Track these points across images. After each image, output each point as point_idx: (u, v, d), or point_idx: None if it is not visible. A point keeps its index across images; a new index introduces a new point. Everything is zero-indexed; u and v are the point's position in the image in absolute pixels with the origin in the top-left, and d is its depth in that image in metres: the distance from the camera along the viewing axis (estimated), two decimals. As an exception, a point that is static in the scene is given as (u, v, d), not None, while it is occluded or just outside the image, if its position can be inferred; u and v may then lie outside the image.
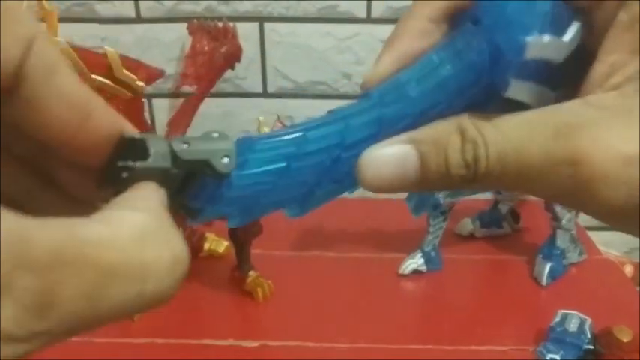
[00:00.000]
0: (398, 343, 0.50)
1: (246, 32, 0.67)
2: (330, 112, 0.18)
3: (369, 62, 0.71)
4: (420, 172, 0.16)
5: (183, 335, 0.51)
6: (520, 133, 0.15)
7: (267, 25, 0.70)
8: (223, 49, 0.58)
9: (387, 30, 0.69)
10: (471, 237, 0.65)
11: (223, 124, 0.75)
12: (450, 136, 0.16)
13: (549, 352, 0.47)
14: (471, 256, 0.62)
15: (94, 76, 0.45)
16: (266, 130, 0.53)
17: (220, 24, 0.58)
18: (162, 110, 0.73)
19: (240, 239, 0.55)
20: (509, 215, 0.66)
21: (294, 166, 0.17)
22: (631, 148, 0.14)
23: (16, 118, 0.14)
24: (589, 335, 0.47)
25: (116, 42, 0.68)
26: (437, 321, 0.53)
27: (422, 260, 0.59)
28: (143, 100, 0.51)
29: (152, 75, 0.50)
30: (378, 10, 0.68)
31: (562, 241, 0.58)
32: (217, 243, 0.61)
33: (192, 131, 0.63)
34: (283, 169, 0.17)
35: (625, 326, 0.45)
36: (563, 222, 0.56)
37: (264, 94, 0.74)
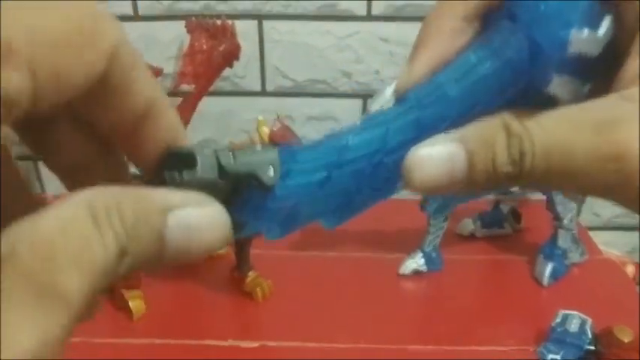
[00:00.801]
0: (398, 343, 0.50)
1: (245, 30, 0.66)
2: (366, 117, 0.18)
3: (368, 60, 0.71)
4: (468, 170, 0.16)
5: (182, 335, 0.50)
6: (562, 129, 0.15)
7: (266, 24, 0.69)
8: (222, 48, 0.57)
9: (387, 28, 0.69)
10: (472, 237, 0.65)
11: (222, 123, 0.74)
12: (496, 133, 0.15)
13: (550, 352, 0.46)
14: (471, 257, 0.62)
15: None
16: (265, 129, 0.53)
17: (219, 22, 0.58)
18: (161, 109, 0.73)
19: (240, 239, 0.54)
20: (510, 215, 0.65)
21: (335, 175, 0.17)
22: None
23: (96, 105, 0.15)
24: (590, 336, 0.47)
25: (114, 40, 0.68)
26: (437, 321, 0.53)
27: (422, 260, 0.58)
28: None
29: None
30: (378, 7, 0.68)
31: (563, 241, 0.57)
32: (217, 243, 0.61)
33: (192, 130, 0.62)
34: (325, 178, 0.17)
35: (626, 326, 0.45)
36: (565, 222, 0.56)
37: (263, 92, 0.73)
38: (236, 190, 0.16)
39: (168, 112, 0.16)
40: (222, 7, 0.68)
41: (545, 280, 0.56)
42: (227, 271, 0.58)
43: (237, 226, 0.17)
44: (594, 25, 0.16)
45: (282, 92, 0.73)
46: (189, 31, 0.59)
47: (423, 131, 0.17)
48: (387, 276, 0.59)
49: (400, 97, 0.18)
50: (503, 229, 0.65)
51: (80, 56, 0.13)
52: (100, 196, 0.13)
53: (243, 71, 0.71)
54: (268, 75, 0.72)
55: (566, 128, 0.15)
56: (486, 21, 0.18)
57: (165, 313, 0.53)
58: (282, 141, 0.52)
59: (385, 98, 0.54)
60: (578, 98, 0.16)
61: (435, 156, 0.16)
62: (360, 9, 0.68)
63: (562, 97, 0.16)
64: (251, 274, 0.55)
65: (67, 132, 0.17)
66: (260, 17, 0.69)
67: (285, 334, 0.50)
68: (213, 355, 0.48)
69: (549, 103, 0.16)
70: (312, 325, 0.51)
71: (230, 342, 0.50)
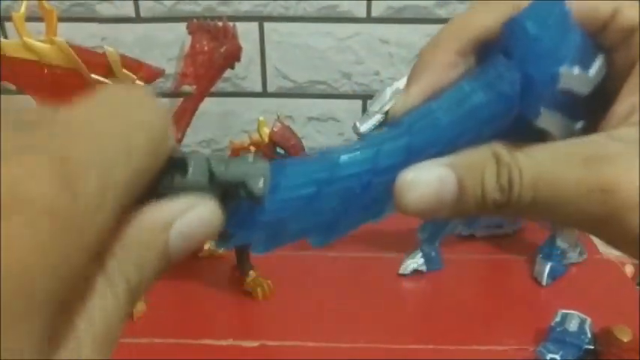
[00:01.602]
0: (398, 343, 0.50)
1: (246, 32, 0.67)
2: (360, 139, 0.19)
3: (368, 62, 0.71)
4: (457, 195, 0.16)
5: (183, 335, 0.51)
6: (551, 162, 0.16)
7: (267, 25, 0.70)
8: (223, 49, 0.58)
9: (386, 30, 0.69)
10: (472, 237, 0.65)
11: (223, 123, 0.75)
12: (486, 161, 0.16)
13: (549, 352, 0.47)
14: (471, 256, 0.62)
15: (94, 76, 0.45)
16: (266, 130, 0.53)
17: (220, 24, 0.58)
18: (162, 110, 0.73)
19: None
20: (509, 215, 0.65)
21: (324, 192, 0.17)
22: None
23: None
24: (589, 335, 0.47)
25: (116, 42, 0.68)
26: (437, 321, 0.53)
27: (422, 260, 0.59)
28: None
29: (152, 75, 0.50)
30: (377, 9, 0.68)
31: (562, 241, 0.57)
32: (217, 243, 0.61)
33: (192, 131, 0.63)
34: (314, 194, 0.17)
35: (625, 326, 0.45)
36: (564, 222, 0.56)
37: (264, 93, 0.74)
38: (225, 199, 0.16)
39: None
40: (223, 9, 0.69)
41: (544, 280, 0.56)
42: (227, 270, 0.58)
43: (224, 235, 0.17)
44: (585, 65, 0.17)
45: (283, 93, 0.73)
46: (191, 32, 0.60)
47: (412, 155, 0.17)
48: (386, 276, 0.59)
49: (393, 122, 0.18)
50: (502, 229, 0.65)
51: (153, 162, 0.13)
52: (110, 252, 0.13)
53: (244, 72, 0.71)
54: (269, 76, 0.73)
55: (554, 160, 0.16)
56: (481, 55, 0.18)
57: (165, 313, 0.53)
58: (282, 141, 0.52)
59: (385, 99, 0.54)
60: (570, 136, 0.17)
61: (426, 179, 0.16)
62: (360, 11, 0.69)
63: (552, 133, 0.17)
64: (251, 274, 0.55)
65: None
66: (261, 19, 0.69)
67: (285, 334, 0.51)
68: (213, 354, 0.49)
69: (541, 138, 0.17)
70: (312, 325, 0.51)
71: (230, 342, 0.50)
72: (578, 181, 0.15)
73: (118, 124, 0.12)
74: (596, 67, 0.17)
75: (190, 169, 0.15)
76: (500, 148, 0.16)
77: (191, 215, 0.14)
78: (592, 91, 0.17)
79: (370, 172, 0.17)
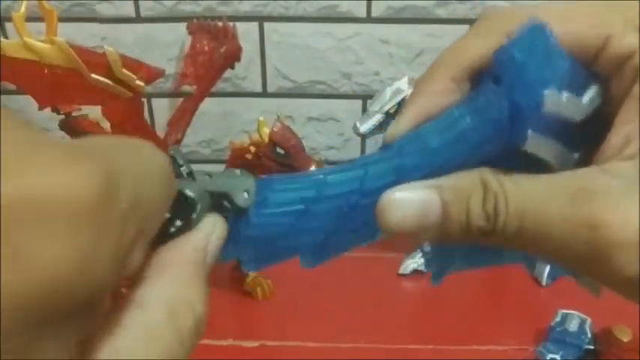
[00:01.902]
0: (398, 343, 0.50)
1: (246, 32, 0.67)
2: (350, 161, 0.19)
3: (369, 62, 0.71)
4: (441, 219, 0.16)
5: (183, 335, 0.51)
6: (539, 193, 0.15)
7: (267, 25, 0.70)
8: (223, 49, 0.58)
9: (386, 30, 0.69)
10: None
11: (223, 123, 0.75)
12: (472, 187, 0.16)
13: (549, 352, 0.47)
14: (471, 256, 0.62)
15: (94, 75, 0.45)
16: (266, 130, 0.53)
17: (220, 24, 0.58)
18: (162, 110, 0.73)
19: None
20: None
21: (312, 209, 0.17)
22: None
23: None
24: (589, 335, 0.47)
25: (116, 42, 0.68)
26: (437, 321, 0.53)
27: (422, 260, 0.59)
28: (143, 99, 0.51)
29: (152, 75, 0.50)
30: (378, 9, 0.68)
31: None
32: (217, 243, 0.61)
33: (192, 131, 0.63)
34: (302, 211, 0.17)
35: (625, 326, 0.45)
36: (564, 222, 0.56)
37: (264, 93, 0.74)
38: (210, 210, 0.16)
39: None
40: (223, 9, 0.69)
41: (544, 280, 0.57)
42: (227, 270, 0.58)
43: None
44: (577, 91, 0.17)
45: (283, 93, 0.73)
46: (191, 32, 0.60)
47: (401, 178, 0.17)
48: (386, 276, 0.59)
49: (385, 146, 0.19)
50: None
51: (166, 202, 0.14)
52: (175, 294, 0.14)
53: (244, 72, 0.71)
54: (269, 76, 0.73)
55: (542, 192, 0.15)
56: (476, 82, 0.19)
57: (165, 313, 0.53)
58: (282, 141, 0.52)
59: (385, 99, 0.54)
60: (567, 166, 0.17)
61: (409, 200, 0.16)
62: (360, 11, 0.69)
63: (546, 160, 0.17)
64: (251, 274, 0.55)
65: None
66: (261, 19, 0.69)
67: (285, 334, 0.51)
68: (213, 354, 0.49)
69: (540, 168, 0.17)
70: (312, 325, 0.51)
71: (230, 342, 0.50)
72: (565, 216, 0.15)
73: (141, 162, 0.13)
74: (590, 94, 0.17)
75: (197, 201, 0.16)
76: (488, 174, 0.16)
77: (216, 236, 0.16)
78: (590, 120, 0.17)
79: (357, 192, 0.17)
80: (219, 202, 0.16)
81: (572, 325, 0.47)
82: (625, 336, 0.44)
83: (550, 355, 0.46)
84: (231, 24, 0.59)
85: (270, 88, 0.73)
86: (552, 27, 0.16)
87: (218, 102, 0.72)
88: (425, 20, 0.68)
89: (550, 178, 0.16)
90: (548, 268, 0.57)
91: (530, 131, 0.16)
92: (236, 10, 0.69)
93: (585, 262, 0.15)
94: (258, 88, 0.73)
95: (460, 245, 0.20)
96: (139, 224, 0.12)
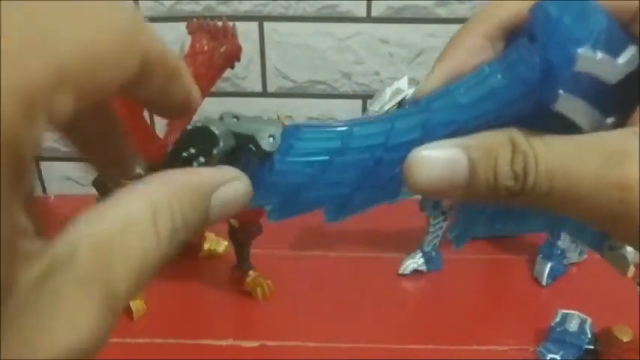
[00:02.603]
0: (398, 343, 0.50)
1: (245, 32, 0.67)
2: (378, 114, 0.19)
3: (369, 62, 0.71)
4: (468, 178, 0.16)
5: (182, 335, 0.51)
6: (570, 153, 0.15)
7: (266, 25, 0.70)
8: (223, 49, 0.58)
9: (386, 29, 0.69)
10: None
11: (223, 123, 0.75)
12: (501, 146, 0.16)
13: (550, 352, 0.47)
14: (471, 256, 0.62)
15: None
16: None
17: (220, 23, 0.58)
18: (161, 110, 0.73)
19: (240, 239, 0.55)
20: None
21: (336, 161, 0.17)
22: None
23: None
24: (589, 335, 0.47)
25: (116, 41, 0.68)
26: (437, 321, 0.53)
27: (422, 260, 0.59)
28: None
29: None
30: (377, 9, 0.68)
31: (562, 240, 0.57)
32: (217, 243, 0.61)
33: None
34: (326, 162, 0.17)
35: (625, 326, 0.45)
36: (564, 222, 0.56)
37: (264, 93, 0.74)
38: (235, 153, 0.16)
39: (185, 73, 0.16)
40: (223, 9, 0.69)
41: (545, 280, 0.56)
42: (227, 270, 0.58)
43: None
44: (613, 52, 0.16)
45: (283, 93, 0.73)
46: (191, 32, 0.60)
47: (427, 133, 0.17)
48: (387, 276, 0.59)
49: (413, 102, 0.18)
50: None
51: (116, 67, 0.13)
52: (160, 192, 0.14)
53: (244, 72, 0.71)
54: (269, 76, 0.73)
55: (573, 152, 0.15)
56: (510, 41, 0.18)
57: (165, 313, 0.53)
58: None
59: (385, 99, 0.54)
60: (599, 129, 0.17)
61: (436, 158, 0.16)
62: (360, 10, 0.68)
63: (576, 121, 0.16)
64: (251, 274, 0.55)
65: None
66: (261, 19, 0.69)
67: (285, 334, 0.51)
68: (213, 354, 0.49)
69: (570, 130, 0.16)
70: (312, 325, 0.51)
71: (230, 341, 0.50)
72: (596, 176, 0.15)
73: (79, 27, 0.12)
74: (627, 56, 0.16)
75: (219, 136, 0.16)
76: (517, 133, 0.16)
77: (231, 186, 0.16)
78: (626, 84, 0.16)
79: (382, 146, 0.17)
80: (244, 145, 0.16)
81: (572, 325, 0.47)
82: (625, 336, 0.44)
83: (550, 355, 0.46)
84: (230, 24, 0.59)
85: (270, 88, 0.73)
86: None
87: (218, 102, 0.72)
88: (425, 20, 0.68)
89: (582, 139, 0.16)
90: (548, 268, 0.57)
91: (561, 91, 0.16)
92: (236, 10, 0.69)
93: (615, 222, 0.15)
94: (258, 88, 0.73)
95: (485, 209, 0.20)
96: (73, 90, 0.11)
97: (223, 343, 0.50)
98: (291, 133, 0.17)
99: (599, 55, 0.16)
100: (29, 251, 0.11)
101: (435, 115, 0.17)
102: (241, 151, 0.17)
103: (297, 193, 0.17)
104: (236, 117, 0.17)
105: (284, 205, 0.18)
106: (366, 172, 0.17)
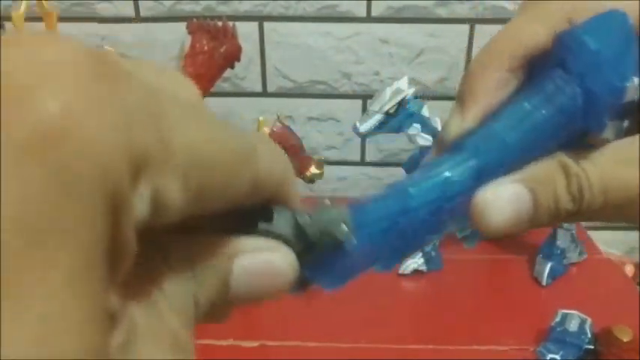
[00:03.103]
0: (398, 343, 0.50)
1: (245, 32, 0.67)
2: (422, 166, 0.19)
3: (368, 61, 0.71)
4: (533, 209, 0.17)
5: (182, 335, 0.51)
6: (615, 165, 0.17)
7: (266, 25, 0.70)
8: (223, 49, 0.58)
9: (386, 29, 0.69)
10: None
11: (223, 123, 0.75)
12: (555, 174, 0.17)
13: (550, 352, 0.47)
14: (471, 256, 0.62)
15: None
16: (266, 129, 0.53)
17: (220, 23, 0.58)
18: (161, 110, 0.73)
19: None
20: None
21: (401, 224, 0.17)
22: None
23: None
24: (589, 335, 0.47)
25: (116, 41, 0.68)
26: (437, 321, 0.53)
27: (422, 260, 0.59)
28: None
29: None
30: (377, 9, 0.68)
31: (562, 240, 0.57)
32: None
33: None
34: (390, 226, 0.17)
35: (625, 326, 0.45)
36: (564, 222, 0.56)
37: (264, 93, 0.74)
38: (310, 249, 0.16)
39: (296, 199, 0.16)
40: (223, 9, 0.69)
41: (545, 280, 0.56)
42: (227, 271, 0.58)
43: (304, 282, 0.17)
44: None
45: (283, 93, 0.73)
46: (191, 32, 0.60)
47: (482, 178, 0.17)
48: (386, 276, 0.59)
49: (455, 146, 0.18)
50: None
51: (227, 182, 0.12)
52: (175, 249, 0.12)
53: (244, 72, 0.71)
54: (269, 76, 0.73)
55: (617, 164, 0.17)
56: (530, 70, 0.18)
57: (165, 313, 0.53)
58: (282, 141, 0.52)
59: (385, 98, 0.54)
60: (618, 134, 0.18)
61: (504, 197, 0.17)
62: (360, 10, 0.69)
63: (608, 137, 0.17)
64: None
65: None
66: (261, 19, 0.69)
67: (285, 334, 0.51)
68: (213, 354, 0.49)
69: (588, 141, 0.17)
70: (312, 325, 0.51)
71: (230, 342, 0.50)
72: None
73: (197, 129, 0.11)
74: None
75: (275, 218, 0.15)
76: (565, 158, 0.17)
77: (260, 256, 0.14)
78: None
79: (441, 199, 0.18)
80: (322, 241, 0.16)
81: (572, 325, 0.47)
82: (625, 336, 0.44)
83: (550, 355, 0.46)
84: (230, 24, 0.59)
85: (270, 88, 0.73)
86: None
87: (218, 101, 0.72)
88: (425, 20, 0.68)
89: (617, 150, 0.17)
90: (548, 268, 0.57)
91: (608, 121, 0.17)
92: (236, 10, 0.69)
93: None
94: (258, 88, 0.73)
95: None
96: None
97: (223, 343, 0.50)
98: (356, 211, 0.17)
99: (637, 80, 0.17)
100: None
101: (487, 159, 0.18)
102: (318, 246, 0.16)
103: (362, 263, 0.18)
104: (308, 214, 0.16)
105: (342, 275, 0.18)
106: (424, 224, 0.18)
